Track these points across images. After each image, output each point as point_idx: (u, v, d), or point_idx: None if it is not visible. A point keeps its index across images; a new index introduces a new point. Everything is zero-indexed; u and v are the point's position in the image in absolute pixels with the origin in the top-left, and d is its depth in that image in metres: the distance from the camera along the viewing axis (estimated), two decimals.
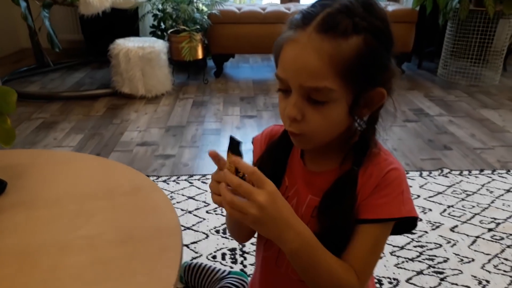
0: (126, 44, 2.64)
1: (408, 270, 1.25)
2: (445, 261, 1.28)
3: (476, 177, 1.77)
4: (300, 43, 0.55)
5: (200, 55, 2.92)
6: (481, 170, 1.82)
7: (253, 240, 1.36)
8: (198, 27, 2.90)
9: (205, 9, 3.07)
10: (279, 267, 0.73)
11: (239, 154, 0.55)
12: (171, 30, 2.93)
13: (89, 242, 0.64)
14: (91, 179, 0.82)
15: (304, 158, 0.70)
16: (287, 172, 0.70)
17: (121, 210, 0.72)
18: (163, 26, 3.19)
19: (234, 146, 0.55)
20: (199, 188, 1.67)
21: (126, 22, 3.20)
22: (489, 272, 1.24)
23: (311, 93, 0.56)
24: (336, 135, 0.62)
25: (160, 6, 3.05)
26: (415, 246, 1.35)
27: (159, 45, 2.70)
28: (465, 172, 1.80)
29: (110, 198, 0.75)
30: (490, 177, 1.77)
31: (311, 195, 0.67)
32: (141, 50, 2.60)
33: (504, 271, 1.25)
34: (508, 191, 1.66)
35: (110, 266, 0.59)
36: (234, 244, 1.35)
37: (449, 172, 1.80)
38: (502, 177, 1.77)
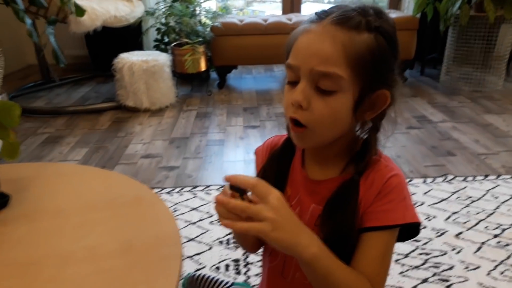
0: (130, 58, 2.68)
1: (413, 278, 1.24)
2: (450, 269, 1.27)
3: (480, 183, 1.75)
4: (315, 32, 0.58)
5: (203, 67, 2.95)
6: (486, 176, 1.81)
7: (259, 251, 1.36)
8: (201, 39, 2.93)
9: (207, 22, 3.11)
10: (285, 277, 0.73)
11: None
12: (174, 44, 2.97)
13: (91, 252, 0.65)
14: (94, 190, 0.83)
15: (305, 167, 0.70)
16: (289, 182, 0.71)
17: (123, 220, 0.73)
18: (166, 40, 3.23)
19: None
20: (202, 199, 1.67)
21: (130, 37, 3.25)
22: (496, 279, 1.23)
23: (320, 80, 0.57)
24: (338, 133, 0.62)
25: (163, 20, 3.10)
26: (420, 254, 1.34)
27: (163, 58, 2.74)
28: (470, 178, 1.79)
29: (112, 209, 0.76)
30: (495, 182, 1.75)
31: (314, 204, 0.67)
32: (145, 63, 2.64)
33: (511, 277, 1.23)
34: None
35: (111, 276, 0.60)
36: (238, 255, 1.35)
37: (453, 178, 1.79)
38: (507, 182, 1.75)
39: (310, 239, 0.56)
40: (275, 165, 0.71)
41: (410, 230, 0.65)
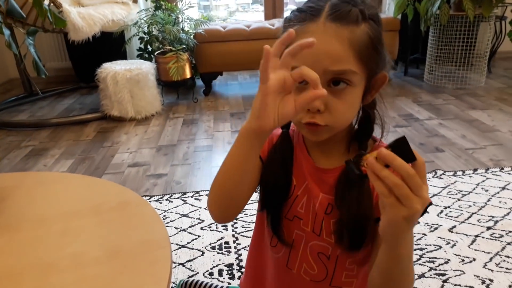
0: (113, 68, 2.64)
1: None
2: (446, 263, 1.26)
3: (470, 176, 1.76)
4: (317, 32, 0.57)
5: (188, 74, 2.93)
6: (475, 170, 1.81)
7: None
8: (184, 47, 2.91)
9: (190, 29, 3.10)
10: (290, 269, 0.73)
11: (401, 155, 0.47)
12: (157, 52, 2.94)
13: (75, 260, 0.61)
14: (77, 197, 0.80)
15: (311, 155, 0.70)
16: (294, 172, 0.70)
17: (108, 226, 0.70)
18: (150, 49, 3.20)
19: (402, 147, 0.48)
20: (192, 205, 1.64)
21: (113, 47, 3.21)
22: (492, 270, 1.22)
23: (334, 79, 0.57)
24: (351, 121, 0.64)
25: (146, 29, 3.07)
26: (414, 249, 1.32)
27: (146, 67, 2.71)
28: (459, 173, 1.80)
29: (97, 215, 0.72)
30: (484, 175, 1.76)
31: (322, 194, 0.67)
32: (129, 72, 2.60)
33: (507, 268, 1.23)
34: (503, 188, 1.65)
35: (96, 283, 0.57)
36: (231, 259, 1.32)
37: (443, 174, 1.79)
38: (496, 175, 1.76)
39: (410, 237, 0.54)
40: (279, 157, 0.70)
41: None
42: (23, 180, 0.90)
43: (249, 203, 1.62)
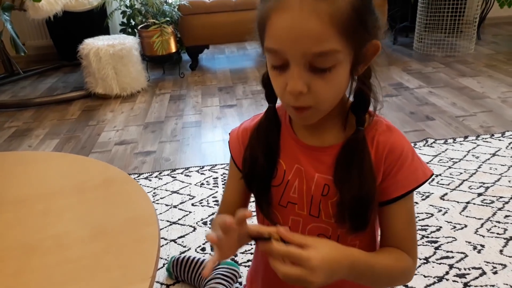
0: (95, 43, 2.55)
1: None
2: (438, 230, 1.27)
3: (461, 144, 1.76)
4: (293, 9, 0.49)
5: (173, 48, 2.85)
6: (465, 137, 1.81)
7: None
8: (169, 19, 2.82)
9: (174, 1, 2.99)
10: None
11: None
12: (141, 26, 2.84)
13: (58, 241, 0.59)
14: (60, 176, 0.77)
15: (296, 133, 0.64)
16: (282, 154, 0.65)
17: (92, 205, 0.67)
18: (133, 23, 3.10)
19: None
20: (182, 182, 1.62)
21: (94, 22, 3.09)
22: (483, 236, 1.23)
23: (316, 60, 0.51)
24: (339, 99, 0.58)
25: (127, 2, 2.96)
26: None
27: (130, 42, 2.62)
28: (450, 141, 1.79)
29: (80, 194, 0.69)
30: (475, 143, 1.76)
31: (318, 174, 0.62)
32: (111, 47, 2.52)
33: (498, 233, 1.23)
34: (493, 155, 1.66)
35: (80, 264, 0.54)
36: None
37: (434, 142, 1.79)
38: (487, 141, 1.76)
39: (345, 274, 0.55)
40: (264, 138, 0.65)
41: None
42: (4, 160, 0.86)
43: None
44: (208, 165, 1.73)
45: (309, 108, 0.54)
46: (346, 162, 0.59)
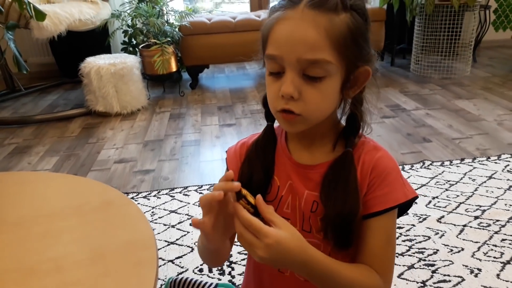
0: (97, 62, 2.59)
1: (399, 265, 1.23)
2: (435, 253, 1.27)
3: (457, 166, 1.77)
4: (294, 19, 0.55)
5: (173, 67, 2.88)
6: (462, 159, 1.83)
7: (240, 249, 1.32)
8: (169, 39, 2.87)
9: (175, 22, 3.05)
10: (282, 272, 0.71)
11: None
12: (142, 45, 2.89)
13: (57, 264, 0.59)
14: (59, 197, 0.78)
15: (291, 153, 0.68)
16: (276, 171, 0.68)
17: (91, 227, 0.67)
18: (134, 42, 3.15)
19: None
20: (181, 201, 1.62)
21: (96, 41, 3.14)
22: (480, 260, 1.23)
23: (308, 67, 0.56)
24: (328, 114, 0.62)
25: (129, 22, 3.01)
26: (404, 241, 1.33)
27: (131, 61, 2.66)
28: (447, 163, 1.81)
29: (79, 216, 0.70)
30: (471, 165, 1.77)
31: (307, 191, 0.65)
32: (113, 66, 2.55)
33: (494, 257, 1.24)
34: (490, 177, 1.67)
35: (80, 287, 0.55)
36: None
37: (430, 164, 1.80)
38: (483, 164, 1.78)
39: (300, 267, 0.57)
40: (261, 154, 0.68)
41: (405, 205, 0.65)
42: (3, 181, 0.87)
43: None
44: (206, 185, 1.73)
45: (298, 115, 0.58)
46: (332, 180, 0.62)
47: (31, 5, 2.10)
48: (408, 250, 1.28)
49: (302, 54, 0.55)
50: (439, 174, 1.72)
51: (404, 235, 1.35)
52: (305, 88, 0.56)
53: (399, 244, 1.31)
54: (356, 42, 0.57)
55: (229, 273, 1.23)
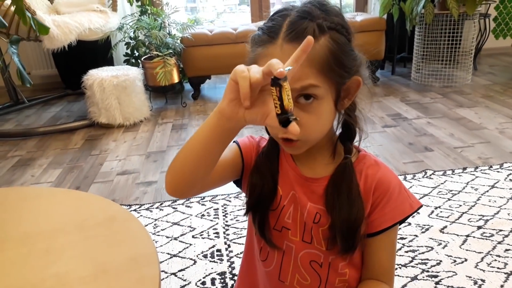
0: (99, 74, 2.61)
1: (402, 277, 1.22)
2: (438, 264, 1.26)
3: (459, 175, 1.77)
4: (275, 55, 0.54)
5: (176, 79, 2.91)
6: (464, 169, 1.82)
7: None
8: (171, 51, 2.89)
9: (177, 34, 3.08)
10: (282, 281, 0.72)
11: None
12: (144, 57, 2.91)
13: (60, 281, 0.60)
14: (62, 213, 0.78)
15: (297, 164, 0.70)
16: (280, 181, 0.70)
17: (94, 243, 0.68)
18: (136, 54, 3.18)
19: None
20: (183, 213, 1.62)
21: (99, 53, 3.18)
22: (483, 271, 1.22)
23: (299, 95, 0.57)
24: (327, 131, 0.64)
25: (132, 34, 3.04)
26: (406, 252, 1.32)
27: (133, 72, 2.68)
28: (449, 172, 1.80)
29: (82, 231, 0.71)
30: (474, 174, 1.77)
31: (310, 203, 0.67)
32: (115, 78, 2.57)
33: (498, 268, 1.23)
34: (492, 187, 1.67)
35: None
36: (224, 267, 1.30)
37: (432, 173, 1.80)
38: (485, 173, 1.77)
39: None
40: (268, 163, 0.70)
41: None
42: (6, 196, 0.87)
43: (241, 209, 1.61)
44: (209, 196, 1.74)
45: (298, 140, 0.60)
46: (335, 189, 0.65)
47: (35, 20, 2.12)
48: (411, 262, 1.28)
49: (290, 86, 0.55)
50: (441, 183, 1.71)
51: (407, 246, 1.35)
52: (300, 115, 0.57)
53: (402, 255, 1.31)
54: (340, 63, 0.58)
55: (232, 286, 1.22)
